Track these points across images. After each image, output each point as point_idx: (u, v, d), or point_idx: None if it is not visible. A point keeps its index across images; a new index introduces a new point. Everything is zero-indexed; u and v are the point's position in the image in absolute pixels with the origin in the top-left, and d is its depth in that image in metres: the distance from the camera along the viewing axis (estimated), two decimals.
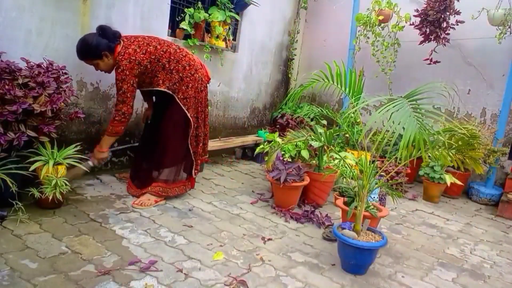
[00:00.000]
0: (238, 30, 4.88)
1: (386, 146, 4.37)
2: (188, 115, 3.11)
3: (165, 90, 3.04)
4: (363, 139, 3.19)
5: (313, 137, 2.90)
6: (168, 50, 3.04)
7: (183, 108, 3.08)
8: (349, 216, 2.57)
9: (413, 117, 2.09)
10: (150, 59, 2.95)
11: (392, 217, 3.53)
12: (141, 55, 2.92)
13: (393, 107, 2.15)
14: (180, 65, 3.06)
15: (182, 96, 3.08)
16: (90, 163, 3.08)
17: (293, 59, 5.85)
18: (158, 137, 3.20)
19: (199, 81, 3.16)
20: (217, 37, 4.39)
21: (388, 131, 2.14)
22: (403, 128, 2.11)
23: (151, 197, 3.09)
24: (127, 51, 2.90)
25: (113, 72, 3.01)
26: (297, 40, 5.82)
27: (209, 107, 3.61)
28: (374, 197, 3.15)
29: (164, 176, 3.15)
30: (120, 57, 2.89)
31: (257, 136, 5.10)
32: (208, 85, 3.35)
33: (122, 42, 2.96)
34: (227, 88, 4.86)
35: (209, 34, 4.35)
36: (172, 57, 3.04)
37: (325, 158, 3.65)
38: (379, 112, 2.14)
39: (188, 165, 3.28)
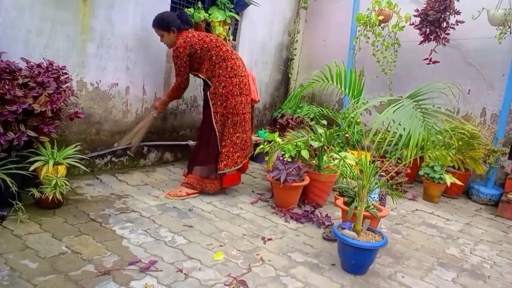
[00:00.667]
0: (238, 30, 4.88)
1: (388, 147, 4.37)
2: (212, 110, 3.32)
3: (204, 78, 3.36)
4: (364, 139, 3.19)
5: (313, 137, 2.90)
6: (220, 46, 3.33)
7: (210, 102, 3.33)
8: (349, 216, 2.57)
9: (418, 118, 2.07)
10: (201, 46, 3.27)
11: (392, 217, 3.53)
12: (196, 40, 3.27)
13: (398, 108, 2.13)
14: (224, 63, 3.30)
15: (213, 91, 3.33)
16: (153, 113, 3.60)
17: (293, 59, 5.85)
18: (199, 133, 3.63)
19: (236, 86, 3.33)
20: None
21: (389, 131, 2.14)
22: (404, 128, 2.11)
23: (183, 189, 3.38)
24: (187, 35, 3.31)
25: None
26: (297, 40, 5.82)
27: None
28: (374, 197, 3.15)
29: (198, 170, 3.43)
30: (179, 37, 3.31)
31: (257, 136, 5.10)
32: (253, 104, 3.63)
33: (188, 30, 3.39)
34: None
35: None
36: (221, 53, 3.30)
37: (325, 158, 3.64)
38: (384, 115, 2.12)
39: (215, 165, 3.43)
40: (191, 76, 3.46)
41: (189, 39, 3.25)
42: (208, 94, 3.36)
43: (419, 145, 2.04)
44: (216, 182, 3.46)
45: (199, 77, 3.43)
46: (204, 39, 3.30)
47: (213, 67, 3.30)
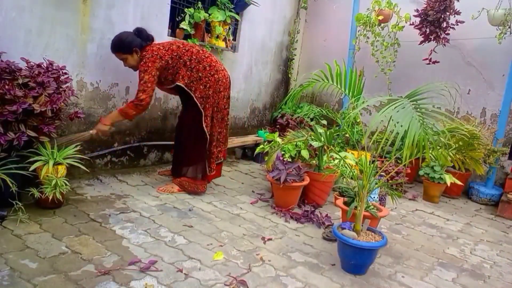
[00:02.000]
0: (238, 30, 4.88)
1: (387, 146, 4.37)
2: (203, 114, 3.27)
3: (183, 86, 3.22)
4: (364, 139, 3.19)
5: (313, 137, 2.90)
6: (190, 50, 3.26)
7: (200, 107, 3.26)
8: (349, 216, 2.57)
9: (416, 117, 2.08)
10: (171, 55, 3.16)
11: (392, 217, 3.53)
12: (163, 51, 3.16)
13: (395, 107, 2.14)
14: (201, 65, 3.24)
15: (199, 95, 3.25)
16: (91, 132, 3.16)
17: (293, 59, 5.85)
18: (181, 136, 3.50)
19: (218, 82, 3.30)
20: (217, 37, 4.39)
21: (391, 132, 2.14)
22: (401, 126, 2.11)
23: (175, 186, 3.43)
24: (151, 48, 3.17)
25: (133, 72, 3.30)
26: (297, 40, 5.82)
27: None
28: (374, 197, 3.15)
29: (189, 172, 3.42)
30: (144, 53, 3.15)
31: (257, 136, 5.11)
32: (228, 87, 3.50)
33: (151, 45, 3.22)
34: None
35: (209, 34, 4.35)
36: (194, 56, 3.23)
37: (325, 158, 3.65)
38: (382, 113, 2.13)
39: (205, 165, 3.45)
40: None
41: (155, 52, 3.12)
42: (195, 100, 3.24)
43: (414, 145, 2.05)
44: (205, 181, 3.52)
45: (179, 92, 3.35)
46: (171, 47, 3.20)
47: (190, 72, 3.21)
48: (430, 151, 2.23)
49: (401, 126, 2.07)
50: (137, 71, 3.16)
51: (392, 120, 2.15)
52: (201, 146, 3.37)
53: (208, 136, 3.34)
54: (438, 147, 2.41)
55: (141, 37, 3.18)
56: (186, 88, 3.23)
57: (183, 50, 3.22)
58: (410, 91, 2.29)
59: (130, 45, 3.14)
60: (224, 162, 4.69)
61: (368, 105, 5.26)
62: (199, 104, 3.26)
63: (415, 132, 2.03)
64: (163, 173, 3.88)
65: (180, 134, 3.50)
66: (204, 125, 3.29)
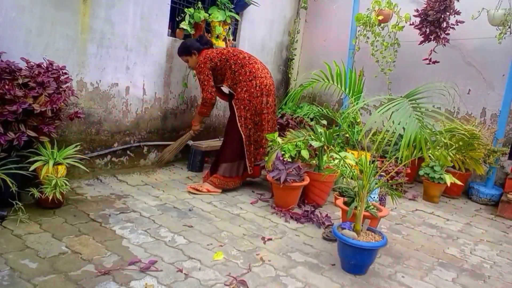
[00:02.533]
0: (238, 30, 4.88)
1: (386, 146, 4.37)
2: (236, 114, 3.55)
3: (227, 87, 3.62)
4: (363, 139, 3.19)
5: (313, 137, 2.90)
6: (238, 55, 3.61)
7: (234, 107, 3.57)
8: (349, 216, 2.56)
9: (413, 117, 2.08)
10: (220, 58, 3.57)
11: (392, 217, 3.53)
12: (214, 54, 3.60)
13: (394, 106, 2.14)
14: (243, 70, 3.55)
15: (236, 97, 3.58)
16: (190, 132, 3.90)
17: (293, 59, 5.85)
18: (224, 135, 3.85)
19: (256, 88, 3.54)
20: (217, 37, 4.39)
21: (388, 131, 2.14)
22: (403, 128, 2.11)
23: (204, 185, 3.56)
24: (206, 52, 3.64)
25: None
26: (297, 40, 5.82)
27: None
28: (374, 197, 3.14)
29: (221, 170, 3.59)
30: (199, 57, 3.64)
31: None
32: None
33: (209, 49, 3.69)
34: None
35: (209, 34, 4.35)
36: (239, 61, 3.57)
37: (325, 158, 3.64)
38: (379, 112, 2.13)
39: (239, 164, 3.67)
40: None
41: (208, 55, 3.58)
42: (233, 101, 3.60)
43: (411, 144, 2.05)
44: (237, 179, 3.69)
45: (222, 89, 3.76)
46: (222, 51, 3.62)
47: (233, 75, 3.57)
48: (429, 151, 2.23)
49: (398, 124, 2.07)
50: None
51: (388, 119, 2.15)
52: (237, 145, 3.61)
53: (243, 136, 3.55)
54: (438, 147, 2.41)
55: (201, 42, 3.70)
56: (229, 89, 3.62)
57: (231, 55, 3.59)
58: (410, 91, 2.29)
59: (189, 48, 3.69)
60: None
61: (368, 105, 5.27)
62: (234, 105, 3.58)
63: (411, 131, 2.03)
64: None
65: (224, 133, 3.87)
66: (239, 125, 3.54)
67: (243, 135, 3.56)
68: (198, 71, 3.57)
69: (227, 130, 3.80)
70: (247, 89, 3.53)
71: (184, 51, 3.74)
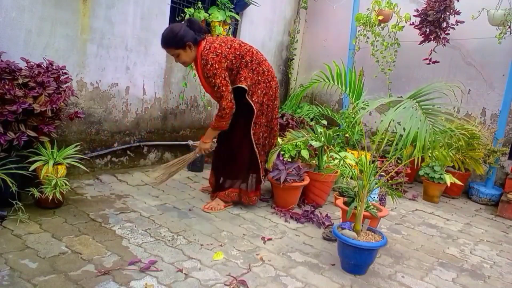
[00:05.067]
0: (238, 30, 4.88)
1: (387, 146, 4.37)
2: (253, 120, 3.03)
3: (246, 87, 2.95)
4: (364, 139, 3.19)
5: (313, 137, 2.90)
6: (251, 50, 3.03)
7: (257, 113, 3.02)
8: (349, 216, 2.57)
9: (423, 119, 2.05)
10: (235, 54, 2.91)
11: (392, 217, 3.53)
12: (227, 49, 2.89)
13: (402, 109, 2.11)
14: (260, 68, 3.04)
15: (256, 100, 3.02)
16: (196, 153, 3.22)
17: (293, 59, 5.85)
18: (231, 145, 3.19)
19: (274, 90, 3.12)
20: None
21: (390, 132, 2.13)
22: (407, 129, 2.09)
23: (220, 202, 3.19)
24: (212, 46, 2.87)
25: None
26: (297, 40, 5.82)
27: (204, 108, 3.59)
28: (374, 197, 3.15)
29: (243, 184, 3.22)
30: (205, 52, 2.85)
31: None
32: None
33: (205, 39, 2.95)
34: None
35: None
36: (255, 57, 3.02)
37: (325, 158, 3.65)
38: (389, 117, 2.09)
39: (259, 174, 3.24)
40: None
41: (219, 51, 2.85)
42: (251, 103, 3.00)
43: (426, 147, 2.03)
44: (258, 192, 3.33)
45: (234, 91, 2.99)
46: (233, 45, 2.95)
47: (252, 74, 2.98)
48: (433, 151, 2.22)
49: (409, 128, 2.04)
50: (205, 77, 2.90)
51: (399, 124, 2.13)
52: (254, 154, 3.13)
53: (255, 146, 3.09)
54: (442, 146, 2.40)
55: (194, 29, 2.87)
56: (248, 90, 2.98)
57: (245, 50, 2.99)
58: (410, 91, 2.27)
59: (182, 39, 2.82)
60: None
61: (367, 105, 5.26)
62: (255, 110, 3.00)
63: (425, 134, 2.01)
64: (205, 189, 3.58)
65: (228, 143, 3.20)
66: (252, 133, 3.05)
67: (254, 145, 3.09)
68: (212, 74, 2.83)
69: (238, 139, 3.13)
70: (266, 91, 3.05)
71: (174, 42, 2.86)
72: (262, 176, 3.25)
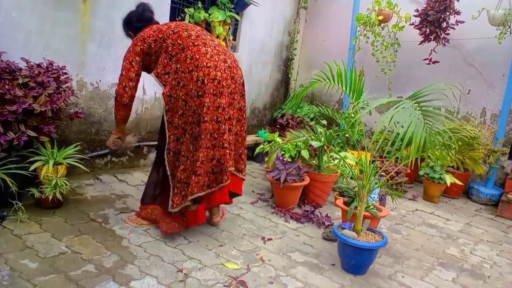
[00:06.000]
0: (238, 30, 4.88)
1: (389, 146, 4.37)
2: (165, 119, 2.43)
3: (154, 76, 2.48)
4: (364, 139, 3.19)
5: (313, 137, 2.90)
6: (179, 32, 2.46)
7: (164, 108, 2.42)
8: (349, 216, 2.57)
9: (421, 120, 2.05)
10: (156, 37, 2.45)
11: (392, 217, 3.53)
12: (151, 32, 2.48)
13: (401, 109, 2.11)
14: (183, 54, 2.40)
15: (168, 93, 2.41)
16: (109, 145, 2.80)
17: (293, 59, 5.85)
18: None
19: (196, 83, 2.35)
20: (217, 37, 4.38)
21: (390, 132, 2.13)
22: (405, 129, 2.10)
23: (140, 220, 2.69)
24: (144, 31, 2.54)
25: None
26: (297, 40, 5.82)
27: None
28: (374, 197, 3.15)
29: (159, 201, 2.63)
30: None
31: (257, 136, 5.10)
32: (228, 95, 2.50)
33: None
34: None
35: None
36: (180, 41, 2.42)
37: (325, 158, 3.65)
38: (387, 117, 2.09)
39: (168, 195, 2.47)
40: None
41: (141, 35, 2.50)
42: (163, 97, 2.43)
43: (420, 147, 2.03)
44: (179, 220, 2.54)
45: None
46: (161, 28, 2.50)
47: (168, 61, 2.43)
48: (433, 151, 2.22)
49: (406, 128, 2.04)
50: None
51: (398, 123, 2.13)
52: (162, 171, 2.59)
53: (165, 152, 2.45)
54: (441, 147, 2.40)
55: (139, 17, 2.64)
56: (156, 80, 2.47)
57: (170, 32, 2.45)
58: (411, 91, 2.29)
59: (124, 27, 2.69)
60: None
61: (367, 105, 5.26)
62: (163, 103, 2.42)
63: (421, 134, 2.01)
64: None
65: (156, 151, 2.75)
66: (167, 135, 2.43)
67: (165, 152, 2.45)
68: (123, 56, 2.51)
69: (158, 147, 2.67)
70: (184, 83, 2.36)
71: (123, 28, 2.71)
72: (171, 201, 2.43)
